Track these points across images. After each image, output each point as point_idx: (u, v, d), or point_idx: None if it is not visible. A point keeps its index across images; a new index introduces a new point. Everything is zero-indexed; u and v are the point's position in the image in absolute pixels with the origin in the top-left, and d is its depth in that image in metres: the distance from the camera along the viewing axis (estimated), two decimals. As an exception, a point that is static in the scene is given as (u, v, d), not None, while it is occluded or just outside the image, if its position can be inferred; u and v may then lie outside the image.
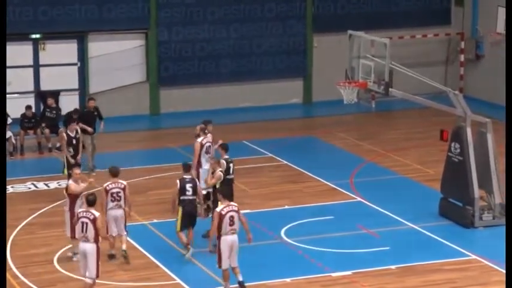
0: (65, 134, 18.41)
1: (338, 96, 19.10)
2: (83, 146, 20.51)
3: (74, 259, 15.15)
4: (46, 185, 19.28)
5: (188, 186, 15.14)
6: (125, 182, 15.38)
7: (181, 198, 15.15)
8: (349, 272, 14.98)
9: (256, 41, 25.37)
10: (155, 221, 16.86)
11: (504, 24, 23.94)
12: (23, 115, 21.76)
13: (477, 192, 16.95)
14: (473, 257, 15.69)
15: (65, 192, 15.27)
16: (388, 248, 16.02)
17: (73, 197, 15.08)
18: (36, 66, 23.96)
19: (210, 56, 25.10)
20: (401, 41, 25.49)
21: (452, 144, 17.27)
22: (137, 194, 18.07)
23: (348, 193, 18.86)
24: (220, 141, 16.15)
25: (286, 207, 18.14)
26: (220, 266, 13.99)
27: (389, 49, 17.81)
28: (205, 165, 16.52)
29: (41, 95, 23.52)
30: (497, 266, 15.28)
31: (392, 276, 14.92)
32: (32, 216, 17.20)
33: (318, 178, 19.75)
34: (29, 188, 18.99)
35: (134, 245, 16.09)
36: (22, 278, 14.80)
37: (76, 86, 24.30)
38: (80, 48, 24.18)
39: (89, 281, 13.71)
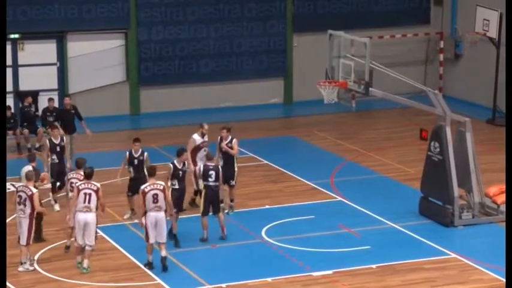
0: (48, 141, 17.91)
1: (318, 96, 19.14)
2: None
3: (31, 268, 15.08)
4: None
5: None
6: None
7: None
8: (329, 272, 15.01)
9: (236, 41, 25.37)
10: (136, 221, 16.80)
11: (483, 24, 24.09)
12: (2, 115, 21.64)
13: (457, 191, 17.03)
14: (453, 255, 15.77)
15: (28, 198, 14.90)
16: (368, 247, 16.07)
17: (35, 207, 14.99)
18: (15, 66, 23.83)
19: (190, 56, 25.07)
20: (381, 40, 25.58)
21: (432, 144, 17.35)
22: (118, 194, 18.02)
23: (328, 192, 18.90)
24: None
25: (267, 206, 18.15)
26: (147, 241, 14.94)
27: (369, 49, 17.86)
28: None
29: (20, 96, 23.40)
30: (476, 265, 15.36)
31: (373, 276, 14.97)
32: (11, 218, 17.09)
33: (298, 178, 19.78)
34: (8, 189, 18.87)
35: (115, 246, 16.06)
36: (2, 279, 14.72)
37: (55, 86, 24.20)
38: (59, 48, 24.07)
39: (88, 248, 14.82)
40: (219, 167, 16.20)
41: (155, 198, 14.73)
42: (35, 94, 23.27)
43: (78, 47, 24.15)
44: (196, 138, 17.53)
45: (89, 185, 14.78)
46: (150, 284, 14.64)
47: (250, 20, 25.37)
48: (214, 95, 25.35)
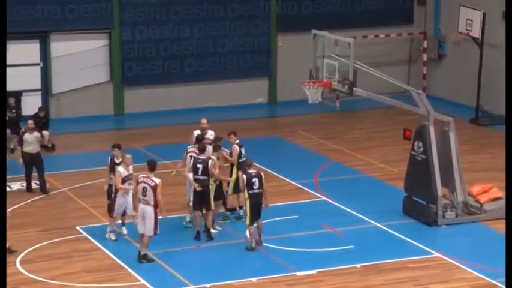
0: (109, 160, 16.67)
1: (303, 96, 19.13)
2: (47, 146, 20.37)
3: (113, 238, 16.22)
4: (8, 186, 19.10)
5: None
6: None
7: None
8: (313, 271, 15.02)
9: (220, 41, 25.35)
10: (119, 222, 16.74)
11: (466, 24, 24.19)
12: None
13: (440, 190, 17.09)
14: (437, 254, 15.82)
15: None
16: (352, 246, 16.09)
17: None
18: (-2, 66, 23.71)
19: (174, 55, 25.03)
20: (365, 40, 25.63)
21: (416, 143, 17.40)
22: (101, 195, 17.94)
23: (312, 192, 18.92)
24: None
25: (251, 206, 18.12)
26: (138, 230, 15.39)
27: (353, 48, 17.88)
28: None
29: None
30: (459, 264, 15.42)
31: (357, 275, 14.99)
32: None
33: (282, 177, 19.78)
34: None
35: (98, 246, 16.01)
36: (-16, 280, 14.63)
37: (39, 86, 24.10)
38: (42, 48, 23.97)
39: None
40: (261, 173, 15.95)
41: (144, 191, 15.06)
42: (18, 94, 23.17)
43: (62, 47, 24.05)
44: (196, 134, 17.44)
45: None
46: (134, 285, 14.60)
47: (234, 19, 25.36)
48: (198, 95, 25.32)
